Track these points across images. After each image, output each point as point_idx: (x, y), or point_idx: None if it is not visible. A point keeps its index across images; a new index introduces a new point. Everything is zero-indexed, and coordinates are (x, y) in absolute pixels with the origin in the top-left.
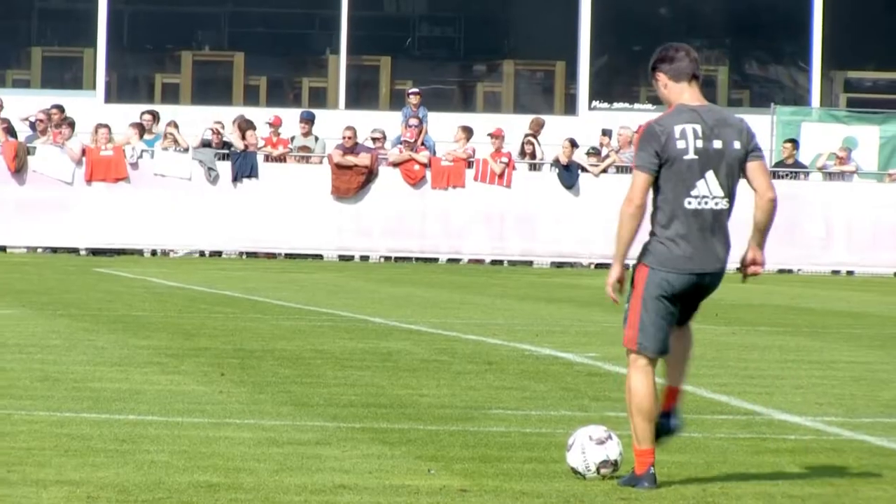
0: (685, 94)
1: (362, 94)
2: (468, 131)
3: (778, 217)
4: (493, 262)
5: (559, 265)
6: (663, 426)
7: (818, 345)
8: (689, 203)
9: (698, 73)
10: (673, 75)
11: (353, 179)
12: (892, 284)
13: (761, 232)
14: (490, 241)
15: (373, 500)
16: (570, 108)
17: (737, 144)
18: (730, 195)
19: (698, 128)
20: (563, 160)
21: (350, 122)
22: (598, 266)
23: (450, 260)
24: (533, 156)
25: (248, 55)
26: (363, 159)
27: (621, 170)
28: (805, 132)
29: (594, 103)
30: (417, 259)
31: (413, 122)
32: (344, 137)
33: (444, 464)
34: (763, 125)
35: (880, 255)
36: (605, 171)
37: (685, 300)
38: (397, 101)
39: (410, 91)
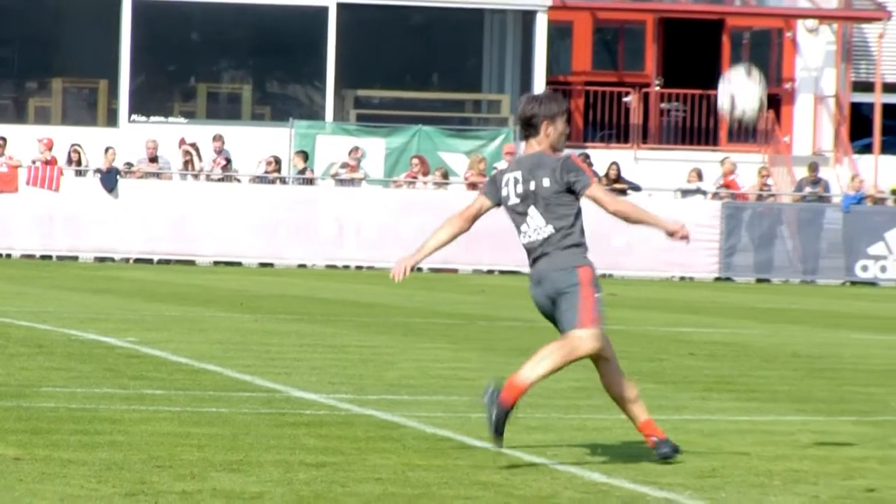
0: (524, 147)
1: None
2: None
3: (296, 217)
4: (43, 258)
5: (102, 260)
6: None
7: (331, 331)
8: (522, 238)
9: (528, 123)
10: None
11: None
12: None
13: (643, 223)
14: (41, 239)
15: None
16: (111, 121)
17: (546, 182)
18: (553, 220)
19: (518, 174)
20: (105, 167)
21: None
22: (137, 261)
23: (4, 256)
24: (79, 163)
25: None
26: None
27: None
28: (320, 144)
29: (133, 117)
30: None
31: None
32: None
33: None
34: (282, 138)
35: (386, 252)
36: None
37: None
38: None
39: None
